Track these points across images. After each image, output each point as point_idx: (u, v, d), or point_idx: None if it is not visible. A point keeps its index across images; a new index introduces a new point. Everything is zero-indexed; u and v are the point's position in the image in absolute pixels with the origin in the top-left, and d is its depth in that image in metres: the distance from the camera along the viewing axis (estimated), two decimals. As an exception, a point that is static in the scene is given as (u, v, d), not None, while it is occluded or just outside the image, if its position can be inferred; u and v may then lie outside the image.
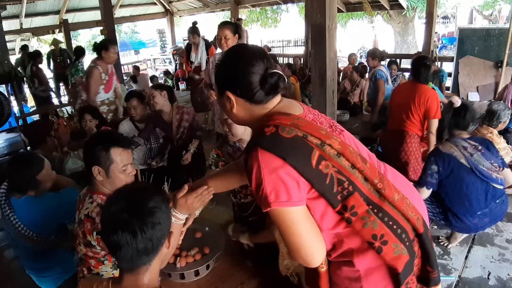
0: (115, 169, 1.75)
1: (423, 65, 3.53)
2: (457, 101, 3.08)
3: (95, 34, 19.16)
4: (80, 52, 7.30)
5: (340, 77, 7.34)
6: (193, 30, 5.75)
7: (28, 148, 4.54)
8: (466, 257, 2.65)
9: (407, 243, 1.22)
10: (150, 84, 7.65)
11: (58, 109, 6.81)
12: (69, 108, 6.74)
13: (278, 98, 1.28)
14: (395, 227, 1.20)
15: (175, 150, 3.56)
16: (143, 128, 3.66)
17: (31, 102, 8.78)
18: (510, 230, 2.82)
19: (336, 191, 1.16)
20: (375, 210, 1.19)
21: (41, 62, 7.52)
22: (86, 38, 20.38)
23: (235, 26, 3.46)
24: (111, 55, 4.18)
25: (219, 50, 4.59)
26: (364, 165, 1.19)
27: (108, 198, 1.14)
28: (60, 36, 10.87)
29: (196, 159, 3.71)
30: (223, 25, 3.42)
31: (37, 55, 7.60)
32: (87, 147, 1.79)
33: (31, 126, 5.39)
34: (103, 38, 6.20)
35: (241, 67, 1.19)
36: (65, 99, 9.48)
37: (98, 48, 4.20)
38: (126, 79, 9.47)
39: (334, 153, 1.16)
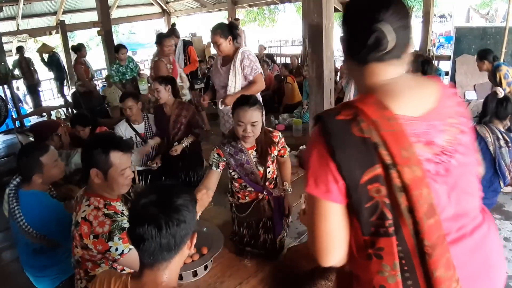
0: (113, 173, 1.74)
1: (426, 62, 3.55)
2: (501, 92, 3.22)
3: (92, 35, 19.11)
4: (77, 48, 7.14)
5: (337, 77, 7.34)
6: (172, 31, 5.93)
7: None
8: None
9: None
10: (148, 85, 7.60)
11: (55, 111, 6.79)
12: (65, 110, 6.73)
13: (394, 70, 1.03)
14: None
15: (171, 147, 3.52)
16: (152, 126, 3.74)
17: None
18: (508, 228, 2.83)
19: (373, 221, 0.97)
20: (405, 268, 0.96)
21: (85, 55, 7.19)
22: (83, 39, 20.34)
23: (226, 29, 3.35)
24: (164, 48, 4.72)
25: (214, 51, 4.54)
26: (424, 218, 0.92)
27: (139, 192, 1.18)
28: (57, 38, 10.85)
29: (193, 160, 3.70)
30: (213, 32, 3.35)
31: (81, 47, 7.22)
32: (86, 149, 1.78)
33: (38, 125, 5.40)
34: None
35: (349, 18, 1.08)
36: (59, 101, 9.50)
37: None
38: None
39: (397, 185, 0.92)
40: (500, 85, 4.10)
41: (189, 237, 1.15)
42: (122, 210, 1.79)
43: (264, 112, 2.41)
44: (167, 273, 1.13)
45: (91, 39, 19.98)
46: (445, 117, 1.01)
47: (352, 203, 0.97)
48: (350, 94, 4.89)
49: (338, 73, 7.36)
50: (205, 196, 1.85)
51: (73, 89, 8.67)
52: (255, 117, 2.17)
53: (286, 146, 2.49)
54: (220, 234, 2.55)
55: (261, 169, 2.39)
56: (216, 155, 2.32)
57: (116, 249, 1.63)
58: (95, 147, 1.72)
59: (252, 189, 2.42)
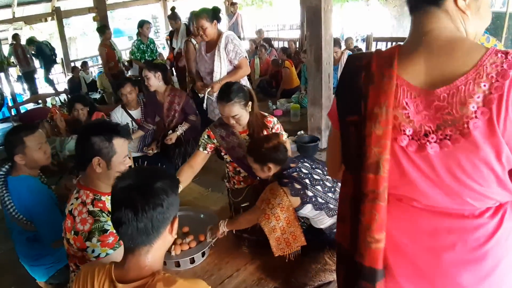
0: (116, 160, 1.66)
1: None
2: None
3: (87, 21, 18.89)
4: (101, 30, 6.87)
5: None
6: (173, 16, 5.68)
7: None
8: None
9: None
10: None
11: (50, 97, 6.72)
12: (62, 97, 6.66)
13: (428, 22, 0.95)
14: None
15: (167, 135, 3.48)
16: (145, 112, 3.65)
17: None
18: None
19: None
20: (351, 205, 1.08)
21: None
22: (79, 25, 20.09)
23: (211, 13, 3.23)
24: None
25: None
26: (366, 169, 0.99)
27: (119, 176, 1.16)
28: (53, 24, 10.72)
29: (190, 146, 3.67)
30: (197, 16, 3.21)
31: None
32: (85, 137, 1.65)
33: (27, 113, 5.36)
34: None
35: None
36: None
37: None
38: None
39: (359, 134, 1.01)
40: None
41: (169, 222, 1.14)
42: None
43: (253, 98, 2.37)
44: (149, 257, 1.12)
45: (87, 25, 19.73)
46: (461, 98, 0.86)
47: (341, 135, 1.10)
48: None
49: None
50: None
51: (69, 76, 8.62)
52: (234, 111, 2.22)
53: (284, 132, 2.45)
54: (217, 220, 2.52)
55: None
56: (206, 137, 2.34)
57: (93, 251, 1.54)
58: (97, 134, 1.62)
59: (246, 174, 2.40)
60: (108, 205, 1.66)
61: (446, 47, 0.91)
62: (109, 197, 1.72)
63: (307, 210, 2.00)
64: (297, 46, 8.75)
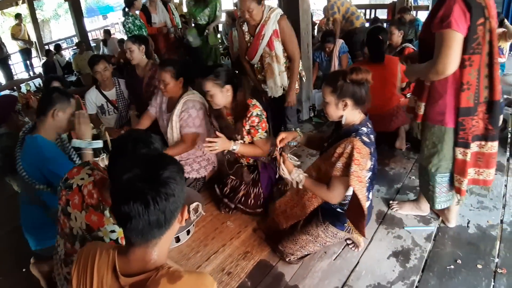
0: None
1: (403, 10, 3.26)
2: None
3: (60, 2, 18.24)
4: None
5: (315, 31, 7.15)
6: None
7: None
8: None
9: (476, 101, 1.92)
10: (119, 49, 7.24)
11: (24, 83, 6.51)
12: (36, 81, 6.46)
13: None
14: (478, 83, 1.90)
15: (143, 112, 3.29)
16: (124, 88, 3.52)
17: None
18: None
19: (473, 46, 1.80)
20: (480, 72, 1.87)
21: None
22: (52, 7, 19.39)
23: None
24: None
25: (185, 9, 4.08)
26: (495, 45, 1.86)
27: (121, 166, 1.04)
28: (24, 7, 10.30)
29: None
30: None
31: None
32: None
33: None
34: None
35: None
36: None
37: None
38: (94, 45, 9.12)
39: (487, 27, 1.80)
40: None
41: (180, 211, 1.05)
42: None
43: (240, 86, 2.40)
44: (156, 250, 1.03)
45: (59, 7, 19.06)
46: None
47: (468, 35, 1.78)
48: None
49: (316, 27, 7.17)
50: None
51: (44, 60, 8.36)
52: (208, 87, 2.31)
53: (259, 129, 2.37)
54: (200, 198, 2.50)
55: (238, 136, 2.41)
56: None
57: (112, 232, 1.47)
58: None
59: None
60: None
61: None
62: None
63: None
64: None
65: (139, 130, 1.89)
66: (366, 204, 1.73)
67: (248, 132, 2.38)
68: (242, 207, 2.54)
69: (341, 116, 1.78)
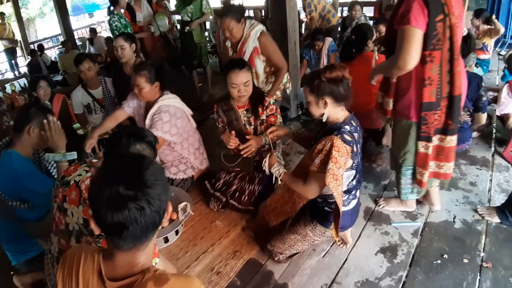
0: None
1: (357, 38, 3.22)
2: None
3: (45, 0, 17.99)
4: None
5: (303, 29, 7.15)
6: None
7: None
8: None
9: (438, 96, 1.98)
10: (105, 48, 7.16)
11: (9, 83, 6.41)
12: (21, 81, 6.37)
13: None
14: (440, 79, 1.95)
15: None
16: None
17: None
18: (473, 173, 2.85)
19: (433, 42, 1.86)
20: (441, 67, 1.92)
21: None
22: (37, 4, 19.09)
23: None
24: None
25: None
26: (455, 42, 1.89)
27: (101, 174, 0.99)
28: (8, 6, 10.13)
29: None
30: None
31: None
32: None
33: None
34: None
35: None
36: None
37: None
38: (80, 44, 9.00)
39: (447, 24, 1.84)
40: None
41: (166, 207, 1.02)
42: None
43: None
44: (146, 252, 1.02)
45: (45, 5, 18.78)
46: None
47: (427, 31, 1.83)
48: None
49: (303, 25, 7.17)
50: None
51: (29, 59, 8.24)
52: (246, 77, 2.31)
53: (278, 116, 2.49)
54: (189, 197, 2.49)
55: (250, 128, 2.48)
56: (215, 111, 2.61)
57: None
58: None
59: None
60: None
61: None
62: None
63: (345, 176, 1.79)
64: (263, 14, 8.57)
65: (132, 126, 1.88)
66: (341, 202, 1.73)
67: (262, 123, 2.47)
68: (234, 202, 2.56)
69: (323, 114, 1.78)
